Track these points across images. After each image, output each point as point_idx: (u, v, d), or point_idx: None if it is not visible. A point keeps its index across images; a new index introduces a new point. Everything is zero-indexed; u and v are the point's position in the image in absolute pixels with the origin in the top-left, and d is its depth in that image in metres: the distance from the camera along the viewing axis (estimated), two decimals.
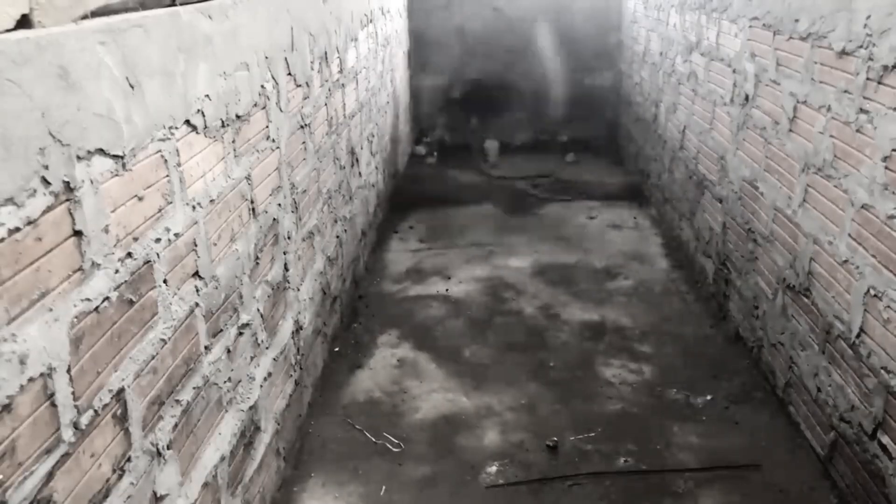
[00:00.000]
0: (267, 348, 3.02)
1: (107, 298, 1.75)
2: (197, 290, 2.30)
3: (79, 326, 1.63)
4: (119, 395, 1.81)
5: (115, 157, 1.79)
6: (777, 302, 3.76)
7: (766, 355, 3.93)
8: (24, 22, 1.58)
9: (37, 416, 1.49)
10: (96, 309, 1.71)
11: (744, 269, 4.26)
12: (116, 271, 1.80)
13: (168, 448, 2.08)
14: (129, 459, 1.86)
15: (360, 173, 5.25)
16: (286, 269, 3.31)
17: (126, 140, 1.84)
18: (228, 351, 2.57)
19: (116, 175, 1.80)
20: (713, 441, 3.51)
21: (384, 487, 3.23)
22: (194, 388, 2.27)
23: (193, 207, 2.27)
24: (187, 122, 2.22)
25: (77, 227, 1.63)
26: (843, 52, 3.03)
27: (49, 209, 1.53)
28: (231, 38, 2.59)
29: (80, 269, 1.65)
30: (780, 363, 3.74)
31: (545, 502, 3.15)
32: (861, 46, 2.88)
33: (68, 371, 1.59)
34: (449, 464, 3.38)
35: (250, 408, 2.79)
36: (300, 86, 3.53)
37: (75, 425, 1.62)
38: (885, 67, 2.71)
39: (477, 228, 6.38)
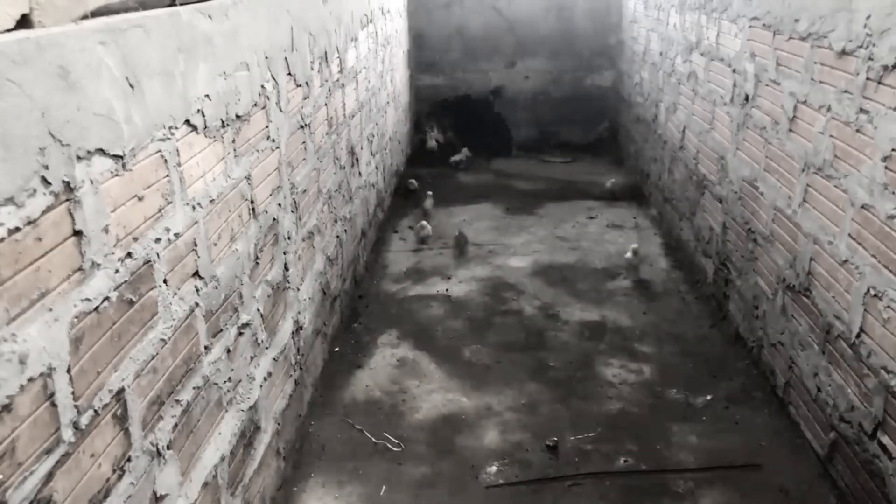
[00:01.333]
0: (267, 348, 3.02)
1: (107, 298, 1.75)
2: (197, 290, 2.30)
3: (79, 326, 1.63)
4: (119, 395, 1.81)
5: (115, 156, 1.79)
6: (777, 302, 3.76)
7: (766, 355, 3.93)
8: (24, 22, 1.58)
9: (37, 416, 1.49)
10: (96, 309, 1.71)
11: (744, 269, 4.26)
12: (116, 271, 1.80)
13: (168, 448, 2.08)
14: (129, 459, 1.86)
15: (360, 173, 5.25)
16: (286, 268, 3.31)
17: (126, 140, 1.84)
18: (228, 351, 2.57)
19: (116, 175, 1.80)
20: (713, 441, 3.51)
21: (384, 487, 3.23)
22: (194, 388, 2.27)
23: (193, 207, 2.27)
24: (187, 122, 2.22)
25: (77, 227, 1.63)
26: (843, 52, 3.03)
27: (49, 209, 1.53)
28: (231, 38, 2.59)
29: (80, 269, 1.65)
30: (779, 363, 3.74)
31: (545, 502, 3.15)
32: (861, 46, 2.88)
33: (68, 371, 1.59)
34: (449, 464, 3.38)
35: (250, 408, 2.79)
36: (300, 86, 3.53)
37: (75, 425, 1.62)
38: (885, 67, 2.71)
39: (477, 228, 6.38)
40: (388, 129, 6.78)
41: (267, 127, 3.02)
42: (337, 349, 4.34)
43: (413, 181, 7.29)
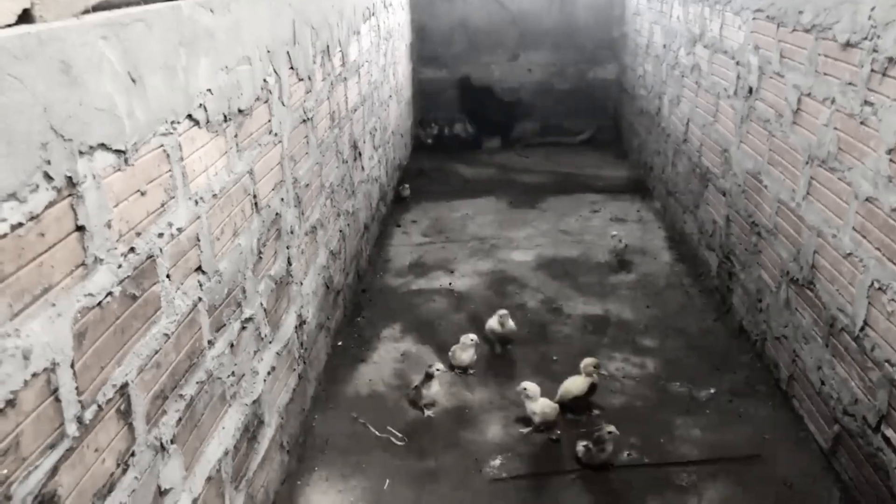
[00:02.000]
0: (270, 342, 3.03)
1: (110, 293, 1.76)
2: (200, 285, 2.30)
3: (82, 321, 1.64)
4: (123, 389, 1.81)
5: (117, 151, 1.78)
6: (780, 295, 3.75)
7: (770, 348, 3.92)
8: (25, 17, 1.58)
9: (41, 411, 1.49)
10: (99, 304, 1.71)
11: (747, 262, 4.25)
12: (119, 266, 1.80)
13: (172, 442, 2.08)
14: (133, 454, 1.87)
15: (362, 167, 5.24)
16: (289, 263, 3.31)
17: (128, 135, 1.83)
18: (232, 345, 2.58)
19: (119, 170, 1.79)
20: (716, 434, 3.50)
21: (388, 481, 3.24)
22: (198, 382, 2.28)
23: (196, 202, 2.27)
24: (189, 116, 2.21)
25: (80, 223, 1.63)
26: (848, 44, 3.01)
27: (51, 204, 1.53)
28: (233, 31, 2.58)
29: (83, 264, 1.65)
30: (783, 356, 3.74)
31: (548, 495, 3.16)
32: (866, 38, 2.87)
33: (72, 366, 1.59)
34: (452, 457, 3.39)
35: (254, 402, 2.80)
36: (302, 80, 3.52)
37: (79, 420, 1.63)
38: (890, 59, 2.69)
39: (480, 221, 6.37)
40: (391, 122, 6.76)
41: (269, 121, 3.02)
42: (340, 343, 4.34)
43: (406, 187, 7.00)
